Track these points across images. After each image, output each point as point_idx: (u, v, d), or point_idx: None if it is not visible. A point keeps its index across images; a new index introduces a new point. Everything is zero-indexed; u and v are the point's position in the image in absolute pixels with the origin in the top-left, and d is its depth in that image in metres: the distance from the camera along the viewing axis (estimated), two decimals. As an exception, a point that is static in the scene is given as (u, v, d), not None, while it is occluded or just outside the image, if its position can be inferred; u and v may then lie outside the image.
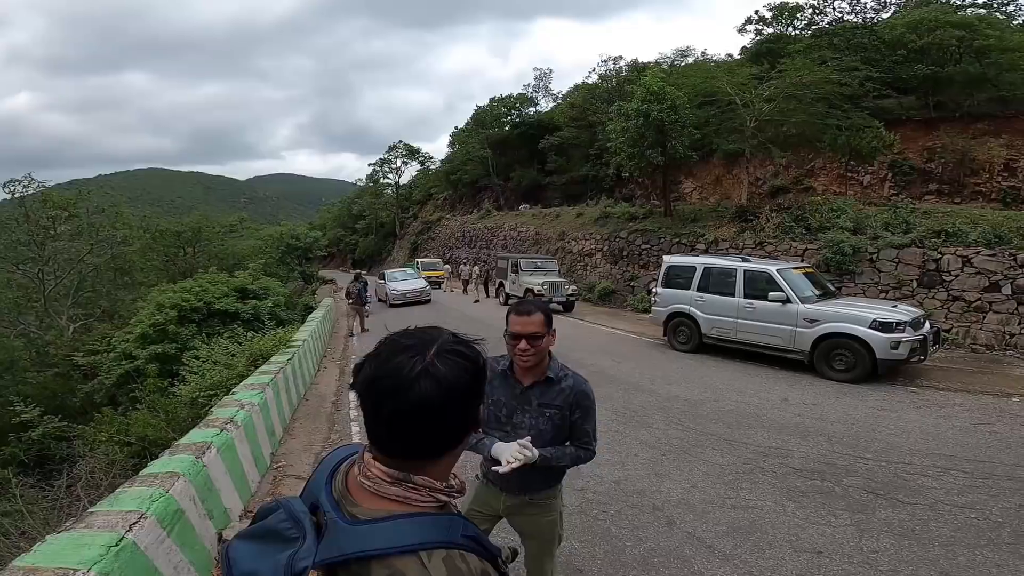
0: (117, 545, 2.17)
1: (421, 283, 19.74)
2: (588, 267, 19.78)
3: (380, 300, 19.27)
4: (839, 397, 6.48)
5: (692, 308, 9.22)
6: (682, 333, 9.50)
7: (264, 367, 6.19)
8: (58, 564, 1.98)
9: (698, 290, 9.17)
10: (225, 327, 12.04)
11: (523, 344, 1.91)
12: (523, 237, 24.97)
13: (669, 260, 10.24)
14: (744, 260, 9.07)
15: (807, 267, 9.33)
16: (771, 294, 7.94)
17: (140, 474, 2.96)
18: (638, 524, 3.54)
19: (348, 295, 13.93)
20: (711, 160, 21.23)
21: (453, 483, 0.85)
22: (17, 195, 23.13)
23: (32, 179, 23.49)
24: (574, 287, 16.24)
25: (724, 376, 7.70)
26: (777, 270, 8.22)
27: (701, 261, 9.59)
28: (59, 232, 22.56)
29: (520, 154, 33.91)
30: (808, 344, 7.53)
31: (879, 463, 4.43)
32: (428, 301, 18.81)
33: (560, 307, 15.32)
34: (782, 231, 13.43)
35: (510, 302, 16.53)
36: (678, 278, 9.63)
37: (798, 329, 7.68)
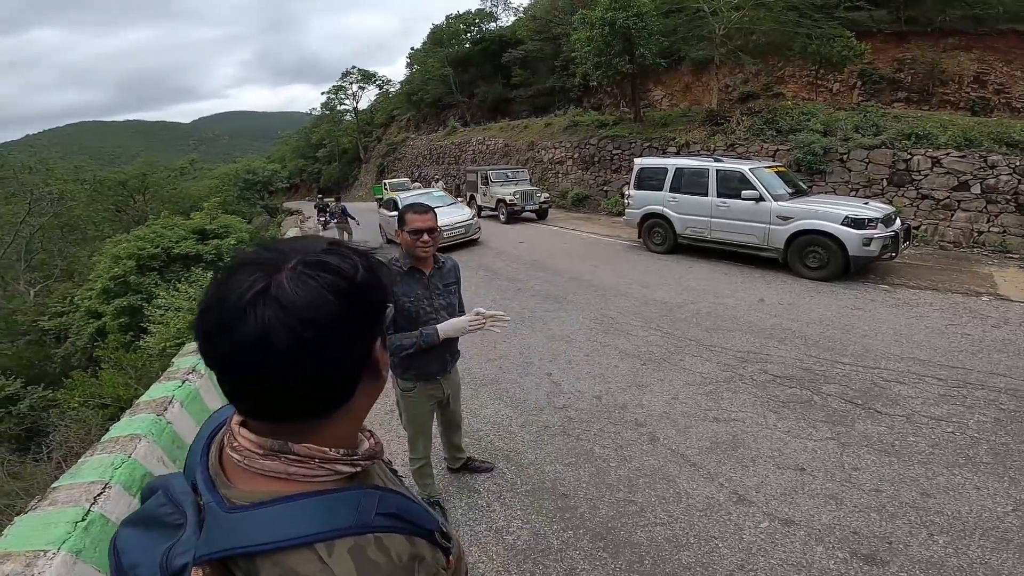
0: (84, 520, 2.06)
1: (464, 212, 12.29)
2: (560, 175, 19.64)
3: (389, 241, 12.93)
4: (813, 296, 6.55)
5: (665, 209, 9.18)
6: (657, 234, 9.52)
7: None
8: (27, 547, 1.86)
9: (671, 191, 9.11)
10: (188, 271, 11.60)
11: (426, 236, 2.32)
12: (492, 150, 24.51)
13: (640, 162, 10.06)
14: (716, 160, 8.87)
15: (779, 166, 9.17)
16: (744, 192, 7.85)
17: (101, 440, 2.80)
18: (621, 443, 3.56)
19: (332, 215, 14.76)
20: (680, 68, 20.89)
21: (363, 447, 0.69)
22: None
23: None
24: (547, 195, 16.07)
25: (700, 277, 7.73)
26: (750, 168, 8.10)
27: (672, 162, 9.43)
28: None
29: (483, 70, 32.85)
30: (782, 242, 7.53)
31: (855, 368, 4.46)
32: (476, 241, 12.06)
33: (534, 215, 15.39)
34: (753, 133, 13.47)
35: (482, 215, 16.86)
36: (650, 180, 9.54)
37: (772, 227, 7.64)
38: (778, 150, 12.45)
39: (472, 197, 17.73)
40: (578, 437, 3.65)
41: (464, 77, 34.09)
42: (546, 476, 3.25)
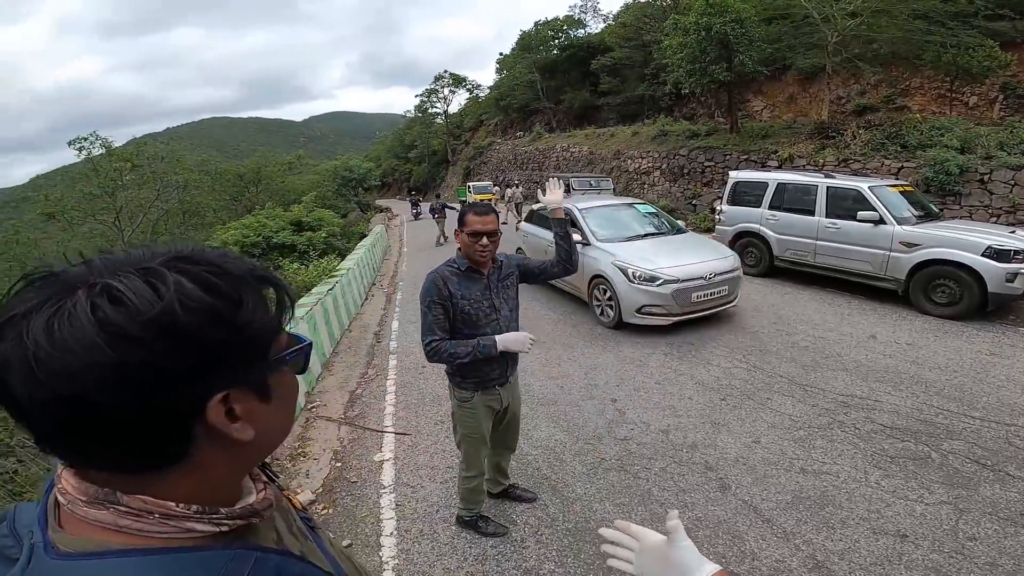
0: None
1: (724, 254, 6.53)
2: (645, 185, 18.94)
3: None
4: (939, 337, 5.55)
5: (763, 227, 8.30)
6: (750, 255, 8.63)
7: (302, 299, 6.05)
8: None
9: (770, 208, 8.21)
10: (284, 259, 12.39)
11: (485, 240, 2.23)
12: (576, 157, 24.24)
13: (736, 175, 9.20)
14: (827, 175, 7.90)
15: (905, 185, 7.97)
16: (861, 213, 6.85)
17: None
18: (685, 487, 3.08)
19: (433, 211, 16.38)
20: (783, 78, 19.56)
21: (246, 500, 0.57)
22: (84, 152, 25.04)
23: (96, 136, 25.25)
24: None
25: (799, 305, 6.87)
26: (869, 187, 7.07)
27: (774, 176, 8.52)
28: (126, 182, 24.48)
29: (571, 77, 32.91)
30: (904, 272, 6.49)
31: (987, 423, 3.66)
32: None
33: None
34: (872, 148, 12.20)
35: None
36: (747, 195, 8.70)
37: (892, 254, 6.62)
38: (902, 168, 11.14)
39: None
40: (636, 475, 3.21)
41: (551, 83, 34.25)
42: (593, 515, 2.86)
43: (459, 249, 2.32)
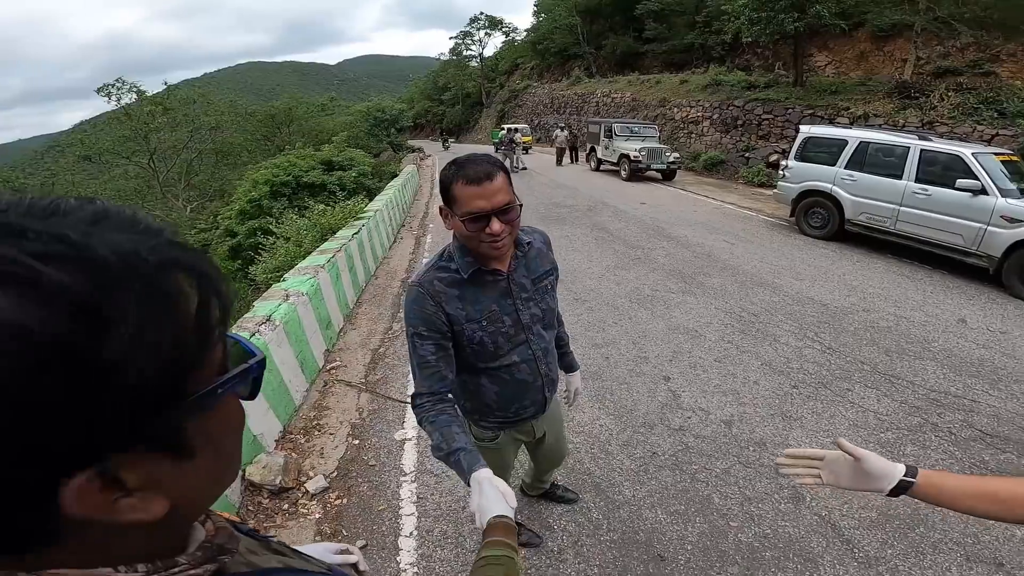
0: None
1: None
2: (693, 135, 17.88)
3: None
4: (1037, 326, 4.82)
5: (836, 187, 7.52)
6: (817, 216, 7.91)
7: (325, 244, 5.64)
8: None
9: (847, 167, 7.38)
10: (314, 198, 12.12)
11: (496, 225, 1.23)
12: (618, 104, 22.97)
13: (808, 130, 8.29)
14: (922, 137, 6.92)
15: (1010, 154, 6.95)
16: (960, 181, 6.01)
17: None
18: (753, 495, 2.60)
19: (501, 144, 16.76)
20: (855, 34, 17.76)
21: (201, 544, 0.42)
22: (113, 99, 25.63)
23: (123, 82, 25.73)
24: (676, 154, 14.55)
25: (873, 277, 6.14)
26: (972, 153, 6.18)
27: (856, 134, 7.61)
28: (158, 124, 24.88)
29: (614, 22, 30.46)
30: (1000, 249, 5.70)
31: None
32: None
33: (659, 175, 14.30)
34: (962, 112, 11.21)
35: (601, 168, 15.86)
36: (819, 151, 7.88)
37: (990, 228, 5.80)
38: (997, 135, 10.11)
39: (593, 149, 16.69)
40: (694, 476, 2.75)
41: (593, 28, 32.14)
42: (642, 524, 2.43)
43: (455, 236, 1.36)
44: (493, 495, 1.07)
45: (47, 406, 0.27)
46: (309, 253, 5.69)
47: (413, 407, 1.36)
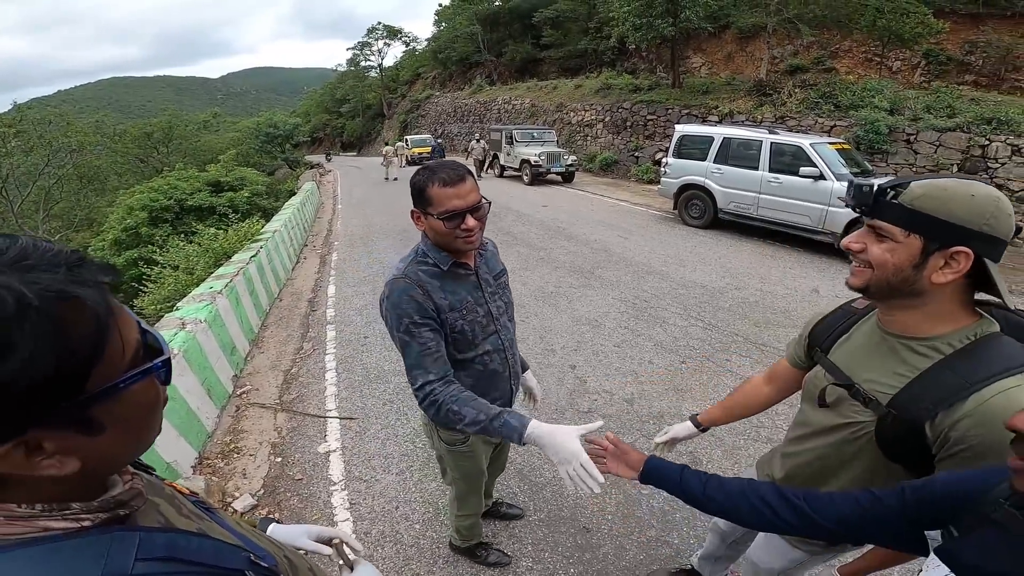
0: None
1: None
2: (588, 138, 18.89)
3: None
4: (876, 287, 5.77)
5: (708, 181, 8.41)
6: (695, 207, 8.78)
7: (221, 269, 5.38)
8: None
9: (715, 161, 8.28)
10: (202, 223, 11.27)
11: (471, 221, 1.41)
12: (518, 110, 23.69)
13: (682, 129, 9.18)
14: (771, 131, 7.96)
15: (842, 143, 8.21)
16: (803, 169, 7.03)
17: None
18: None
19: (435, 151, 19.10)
20: (723, 36, 19.98)
21: (112, 491, 0.52)
22: None
23: None
24: (574, 157, 15.32)
25: (743, 258, 6.97)
26: (811, 144, 7.22)
27: (720, 131, 8.56)
28: (10, 149, 22.26)
29: (513, 29, 31.79)
30: (841, 226, 6.73)
31: None
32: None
33: (559, 178, 14.94)
34: (807, 107, 12.75)
35: (504, 175, 16.30)
36: (692, 148, 8.77)
37: (830, 209, 6.82)
38: (835, 126, 11.61)
39: (496, 156, 17.14)
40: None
41: (493, 36, 33.09)
42: (565, 502, 2.68)
43: (424, 235, 1.51)
44: (562, 435, 1.23)
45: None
46: (203, 280, 5.40)
47: (425, 396, 1.41)
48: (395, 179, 18.21)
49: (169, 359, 0.53)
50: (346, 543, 0.93)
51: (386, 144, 22.80)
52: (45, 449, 0.44)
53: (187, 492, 0.66)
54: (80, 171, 24.80)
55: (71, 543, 0.46)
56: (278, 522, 1.02)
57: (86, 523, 0.48)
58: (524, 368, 1.97)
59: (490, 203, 1.47)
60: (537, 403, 2.07)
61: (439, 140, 20.88)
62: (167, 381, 0.54)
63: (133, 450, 0.54)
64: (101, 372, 0.45)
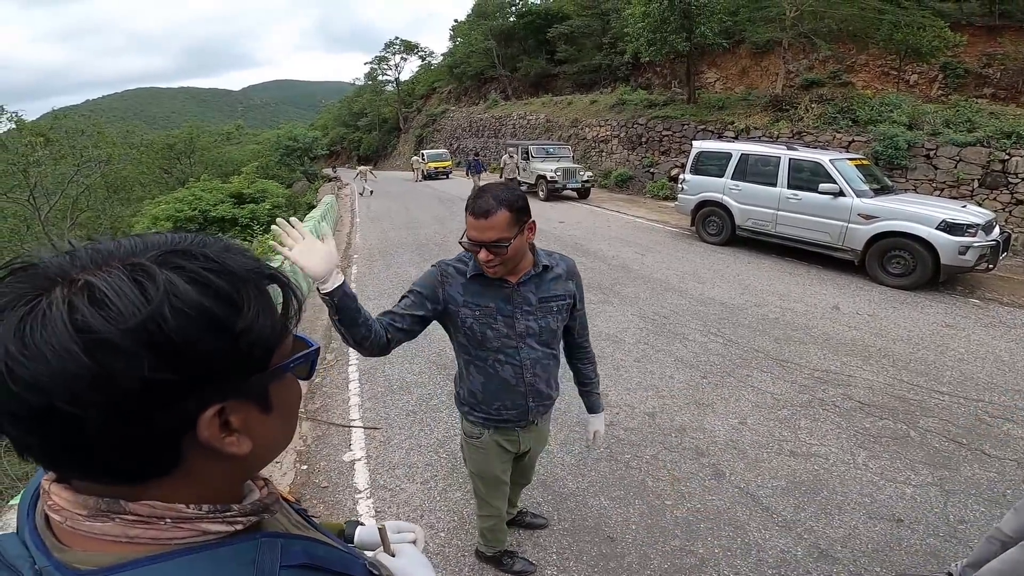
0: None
1: None
2: (604, 153, 18.93)
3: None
4: (896, 307, 5.73)
5: (725, 197, 8.41)
6: (712, 224, 8.78)
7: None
8: None
9: (733, 178, 8.30)
10: (225, 234, 11.52)
11: (483, 254, 1.51)
12: (533, 125, 23.83)
13: (700, 145, 9.22)
14: (789, 147, 7.98)
15: (862, 159, 8.19)
16: (822, 186, 7.01)
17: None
18: (680, 475, 2.97)
19: (469, 167, 18.75)
20: (738, 51, 19.89)
21: (250, 498, 0.53)
22: None
23: (3, 109, 22.79)
24: (589, 173, 15.40)
25: (762, 275, 6.96)
26: (830, 160, 7.21)
27: (737, 147, 8.59)
28: (39, 158, 22.39)
29: (527, 45, 32.23)
30: (861, 243, 6.69)
31: (956, 399, 3.76)
32: None
33: (575, 194, 14.99)
34: (824, 122, 12.62)
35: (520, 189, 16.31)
36: (710, 165, 8.79)
37: (850, 225, 6.79)
38: (853, 141, 11.50)
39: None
40: (628, 464, 3.07)
41: (507, 51, 33.48)
42: (589, 512, 2.70)
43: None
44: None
45: (206, 354, 0.42)
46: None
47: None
48: (371, 192, 18.84)
49: (319, 348, 0.55)
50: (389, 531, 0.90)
51: (382, 162, 23.03)
52: (231, 424, 0.46)
53: (292, 500, 0.67)
54: (108, 180, 25.20)
55: (226, 550, 0.46)
56: (361, 524, 1.05)
57: (238, 526, 0.49)
58: (595, 410, 2.08)
59: (511, 243, 1.49)
60: (593, 446, 2.19)
61: (478, 156, 21.01)
62: (311, 374, 0.56)
63: (283, 443, 0.55)
64: (279, 351, 0.49)
